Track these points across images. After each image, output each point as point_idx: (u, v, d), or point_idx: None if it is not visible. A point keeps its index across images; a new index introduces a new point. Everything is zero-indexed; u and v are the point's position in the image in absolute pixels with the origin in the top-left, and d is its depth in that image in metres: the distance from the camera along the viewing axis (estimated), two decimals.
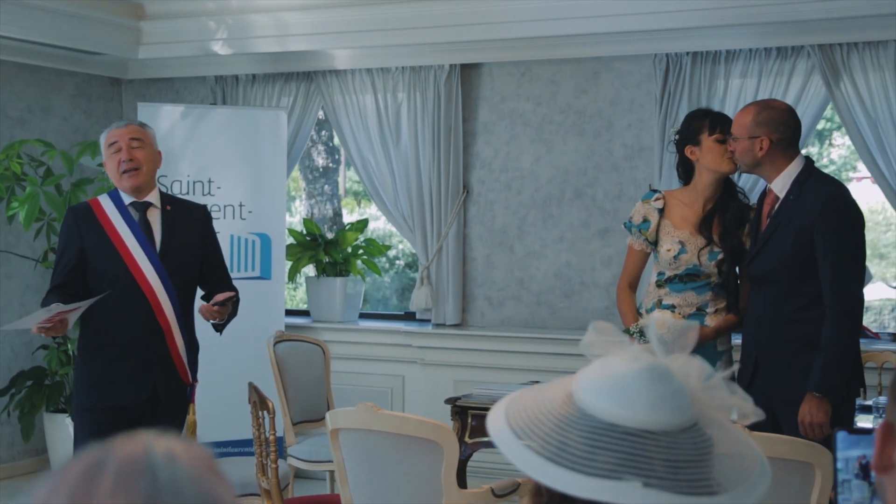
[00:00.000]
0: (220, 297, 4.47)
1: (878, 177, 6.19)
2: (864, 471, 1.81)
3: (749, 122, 4.27)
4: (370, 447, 3.72)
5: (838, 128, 7.85)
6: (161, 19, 7.59)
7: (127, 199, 4.56)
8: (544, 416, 1.37)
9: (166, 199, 4.67)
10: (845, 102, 6.17)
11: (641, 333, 4.08)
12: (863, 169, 7.55)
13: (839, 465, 1.79)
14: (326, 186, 9.15)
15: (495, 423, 1.40)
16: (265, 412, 4.49)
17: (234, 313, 4.65)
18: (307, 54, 7.41)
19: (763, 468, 1.41)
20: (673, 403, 1.36)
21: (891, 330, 6.69)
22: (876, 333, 6.40)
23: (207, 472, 1.03)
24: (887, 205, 6.44)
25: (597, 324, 1.59)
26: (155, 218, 4.58)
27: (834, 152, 8.18)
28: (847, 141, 8.49)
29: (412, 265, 8.66)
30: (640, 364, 1.38)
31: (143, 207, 4.56)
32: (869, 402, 4.74)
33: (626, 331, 4.44)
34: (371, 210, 9.12)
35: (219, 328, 4.66)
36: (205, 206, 4.82)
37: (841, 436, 1.75)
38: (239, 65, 7.73)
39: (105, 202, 4.57)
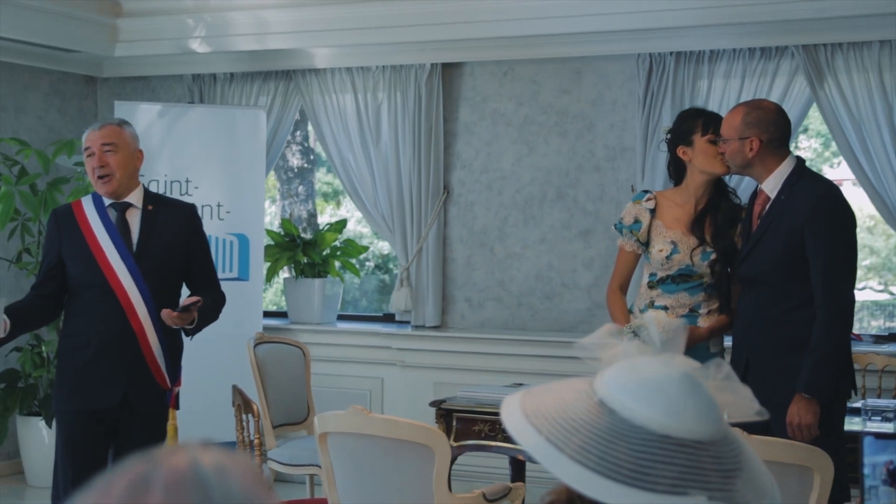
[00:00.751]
0: (186, 301, 4.37)
1: (862, 178, 6.19)
2: (891, 476, 1.76)
3: (738, 122, 4.24)
4: (359, 451, 3.66)
5: (804, 130, 7.86)
6: (138, 17, 7.50)
7: (107, 200, 4.51)
8: (579, 424, 1.31)
9: (150, 198, 4.59)
10: (829, 103, 6.17)
11: (635, 334, 4.04)
12: (829, 173, 7.59)
13: (866, 470, 1.74)
14: (301, 187, 9.09)
15: (524, 432, 1.35)
16: (249, 415, 4.43)
17: (210, 317, 4.56)
18: (286, 53, 7.34)
19: (768, 473, 1.39)
20: (714, 411, 1.34)
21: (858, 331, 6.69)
22: (858, 335, 6.40)
23: (258, 486, 0.98)
24: (856, 207, 6.44)
25: (609, 326, 1.56)
26: (134, 218, 4.51)
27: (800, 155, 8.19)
28: (813, 143, 8.51)
29: (381, 267, 8.61)
30: (675, 370, 1.35)
31: (123, 208, 4.50)
32: (858, 405, 4.72)
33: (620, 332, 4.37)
34: (341, 211, 9.06)
35: (188, 333, 4.55)
36: (193, 206, 4.73)
37: (868, 441, 1.70)
38: (217, 63, 7.65)
39: (86, 204, 4.53)
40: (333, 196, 9.35)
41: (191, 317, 4.36)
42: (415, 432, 3.57)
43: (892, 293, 8.94)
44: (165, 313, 4.33)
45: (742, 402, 1.45)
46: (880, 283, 8.84)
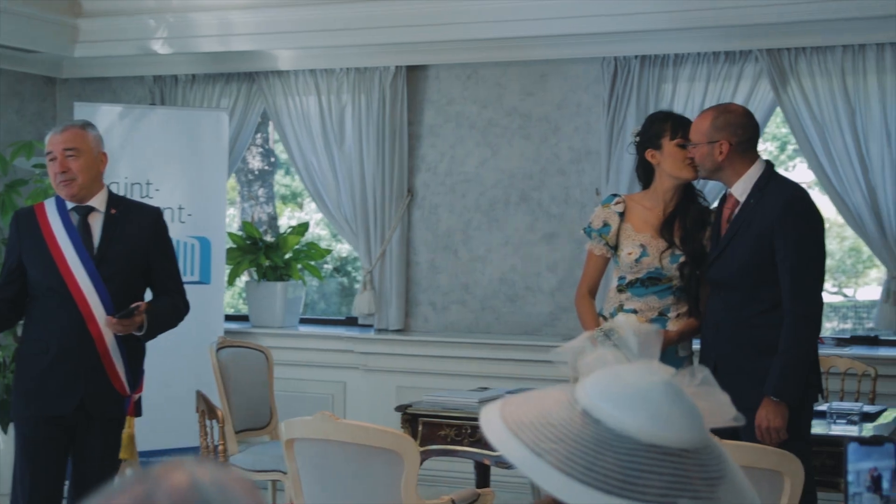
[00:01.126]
0: (141, 305, 4.29)
1: (824, 181, 6.23)
2: (875, 483, 1.75)
3: (707, 126, 4.24)
4: (327, 457, 3.63)
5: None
6: (99, 17, 7.41)
7: (70, 204, 4.44)
8: (563, 434, 1.30)
9: (114, 201, 4.52)
10: (793, 107, 6.20)
11: (607, 336, 4.00)
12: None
13: (850, 477, 1.73)
14: (262, 190, 9.04)
15: (508, 443, 1.32)
16: (213, 421, 4.38)
17: (167, 324, 4.49)
18: (249, 55, 7.28)
19: (746, 479, 1.39)
20: (698, 419, 1.34)
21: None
22: (820, 338, 6.42)
23: (257, 502, 0.95)
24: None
25: (589, 334, 1.56)
26: (96, 222, 4.44)
27: None
28: (770, 146, 8.57)
29: (340, 269, 8.59)
30: (658, 378, 1.35)
31: (85, 212, 4.44)
32: (823, 408, 4.74)
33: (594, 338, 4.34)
34: (299, 214, 9.02)
35: (138, 339, 4.44)
36: (157, 210, 4.65)
37: (852, 447, 1.70)
38: (179, 64, 7.57)
39: (49, 206, 4.46)
40: (292, 198, 9.31)
41: (133, 323, 4.27)
42: (383, 438, 3.54)
43: (846, 295, 9.03)
44: (107, 319, 4.25)
45: (719, 408, 1.46)
46: (834, 286, 8.94)
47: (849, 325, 8.68)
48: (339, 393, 7.16)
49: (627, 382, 1.32)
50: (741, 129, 4.22)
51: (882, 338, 6.52)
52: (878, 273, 8.46)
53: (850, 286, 9.24)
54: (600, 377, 1.36)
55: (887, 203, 6.10)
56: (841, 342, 6.49)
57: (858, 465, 1.71)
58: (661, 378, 1.33)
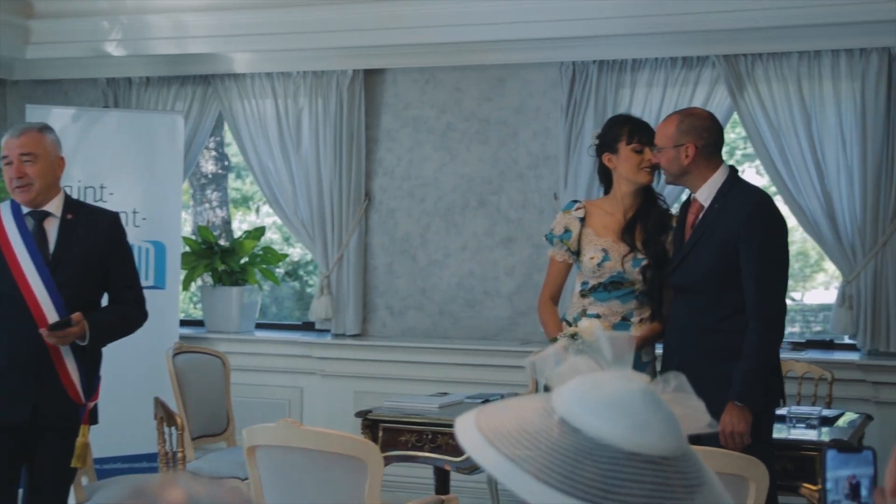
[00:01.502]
0: (75, 316, 4.20)
1: (781, 186, 6.28)
2: (854, 490, 1.74)
3: (673, 131, 4.25)
4: (290, 464, 3.60)
5: None
6: (51, 18, 7.32)
7: (25, 208, 4.36)
8: (541, 443, 1.29)
9: (70, 206, 4.44)
10: (749, 112, 6.25)
11: (572, 339, 3.98)
12: None
13: (828, 485, 1.72)
14: (215, 193, 8.96)
15: (485, 453, 1.31)
16: (172, 428, 4.32)
17: (116, 333, 4.41)
18: (205, 57, 7.22)
19: (721, 485, 1.38)
20: (676, 426, 1.34)
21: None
22: None
23: None
24: None
25: (563, 342, 1.56)
26: (52, 227, 4.36)
27: None
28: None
29: (292, 273, 8.55)
30: (636, 386, 1.35)
31: (40, 217, 4.35)
32: (783, 412, 4.76)
33: (553, 340, 4.32)
34: (251, 217, 8.95)
35: (84, 348, 4.33)
36: (115, 215, 4.57)
37: (830, 454, 1.69)
38: (133, 67, 7.49)
39: (4, 210, 4.38)
40: (243, 202, 9.25)
41: (68, 334, 4.17)
42: (347, 445, 3.52)
43: (793, 299, 9.10)
44: (42, 331, 4.17)
45: (693, 415, 1.45)
46: None
47: (797, 329, 8.74)
48: (297, 398, 7.12)
49: (606, 391, 1.32)
50: (706, 133, 4.24)
51: (837, 342, 6.58)
52: (825, 277, 8.52)
53: (798, 290, 9.31)
54: (577, 386, 1.35)
55: (842, 208, 6.16)
56: (797, 346, 6.53)
57: (837, 473, 1.70)
58: (639, 386, 1.33)
